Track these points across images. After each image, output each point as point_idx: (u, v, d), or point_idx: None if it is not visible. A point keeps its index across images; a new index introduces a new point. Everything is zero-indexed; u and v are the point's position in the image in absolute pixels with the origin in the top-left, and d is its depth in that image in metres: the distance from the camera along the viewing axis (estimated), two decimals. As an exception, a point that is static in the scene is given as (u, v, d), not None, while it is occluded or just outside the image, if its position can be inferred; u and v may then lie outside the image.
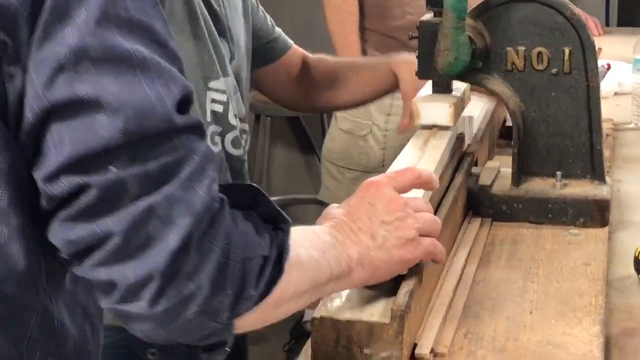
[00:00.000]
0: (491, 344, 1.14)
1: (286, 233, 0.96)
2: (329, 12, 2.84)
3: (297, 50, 1.83)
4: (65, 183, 0.82)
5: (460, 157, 1.57)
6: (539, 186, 1.54)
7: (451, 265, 1.33)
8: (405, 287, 1.08)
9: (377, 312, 1.07)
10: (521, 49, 1.51)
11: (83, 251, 0.84)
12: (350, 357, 1.05)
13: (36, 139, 0.83)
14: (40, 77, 0.81)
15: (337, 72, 1.85)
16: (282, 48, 1.79)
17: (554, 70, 1.51)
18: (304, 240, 1.01)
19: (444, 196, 1.40)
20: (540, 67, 1.52)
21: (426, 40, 1.51)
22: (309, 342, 1.09)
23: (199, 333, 0.90)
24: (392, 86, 1.80)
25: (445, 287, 1.26)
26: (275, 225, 0.96)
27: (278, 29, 1.80)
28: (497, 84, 1.53)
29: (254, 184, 0.99)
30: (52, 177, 0.82)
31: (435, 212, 1.31)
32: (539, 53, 1.51)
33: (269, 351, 3.22)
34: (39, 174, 0.83)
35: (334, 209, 1.11)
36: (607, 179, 1.55)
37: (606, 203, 1.50)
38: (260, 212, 0.96)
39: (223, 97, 1.52)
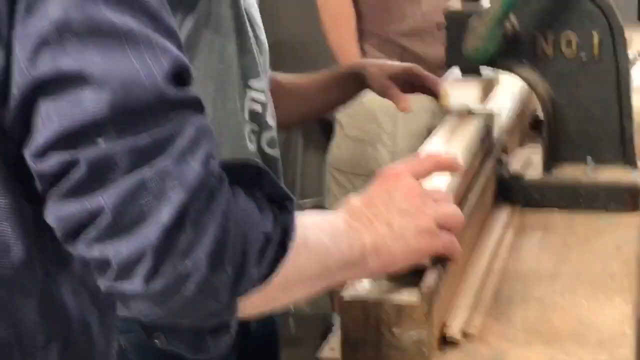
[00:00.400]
0: (522, 325, 1.14)
1: (291, 213, 0.93)
2: (326, 21, 2.82)
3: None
4: (54, 160, 0.80)
5: (490, 145, 1.56)
6: (570, 172, 1.53)
7: (481, 250, 1.33)
8: (434, 269, 1.08)
9: (405, 293, 1.06)
10: (550, 35, 1.50)
11: (76, 228, 0.82)
12: (379, 337, 1.05)
13: (24, 116, 0.82)
14: (25, 52, 0.80)
15: (296, 82, 1.78)
16: None
17: (583, 56, 1.50)
18: (313, 224, 0.98)
19: (473, 184, 1.40)
20: (569, 53, 1.51)
21: (453, 29, 1.51)
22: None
23: (200, 313, 0.87)
24: (355, 90, 1.74)
25: (474, 271, 1.26)
26: (281, 205, 0.93)
27: None
28: (525, 70, 1.53)
29: (258, 161, 0.97)
30: (40, 154, 0.81)
31: (463, 200, 1.31)
32: (568, 39, 1.50)
33: (302, 354, 3.23)
34: (28, 153, 0.82)
35: (352, 199, 1.08)
36: (639, 164, 1.54)
37: (638, 188, 1.49)
38: (265, 190, 0.93)
39: (262, 97, 1.52)
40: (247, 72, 1.50)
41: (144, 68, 0.81)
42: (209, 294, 0.85)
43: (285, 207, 0.93)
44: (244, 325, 1.60)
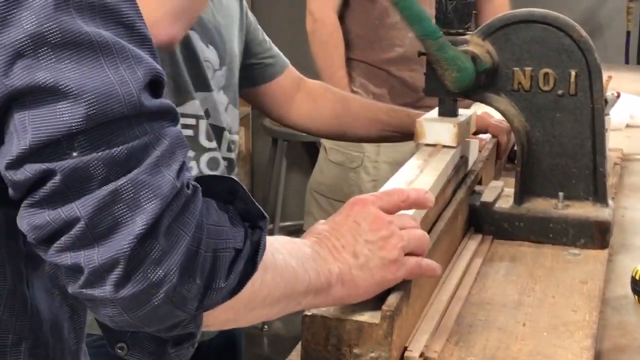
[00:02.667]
0: (482, 352, 1.15)
1: (262, 230, 0.94)
2: (315, 48, 2.84)
3: (293, 70, 1.85)
4: (29, 170, 0.81)
5: (464, 175, 1.58)
6: (541, 206, 1.55)
7: (448, 277, 1.34)
8: (397, 290, 1.09)
9: (368, 312, 1.08)
10: (528, 69, 1.53)
11: (49, 236, 0.82)
12: (339, 357, 1.06)
13: None
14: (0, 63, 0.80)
15: (348, 105, 1.87)
16: (281, 66, 1.81)
17: (559, 92, 1.53)
18: (283, 247, 1.00)
19: (444, 210, 1.41)
20: (546, 88, 1.53)
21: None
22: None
23: (166, 322, 0.88)
24: (407, 131, 1.79)
25: (440, 296, 1.27)
26: (253, 223, 0.94)
27: (276, 49, 1.82)
28: (503, 102, 1.55)
29: (233, 177, 0.97)
30: (15, 165, 0.81)
31: (434, 225, 1.32)
32: (546, 74, 1.52)
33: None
34: (2, 162, 0.82)
35: (319, 225, 1.11)
36: (610, 202, 1.56)
37: (607, 225, 1.51)
38: (238, 206, 0.94)
39: (192, 121, 1.54)
40: (174, 99, 1.50)
41: (119, 79, 0.81)
42: (178, 303, 0.86)
43: (257, 225, 0.94)
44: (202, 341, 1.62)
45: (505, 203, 1.56)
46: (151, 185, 0.82)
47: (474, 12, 1.56)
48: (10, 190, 0.84)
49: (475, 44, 1.51)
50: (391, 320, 1.05)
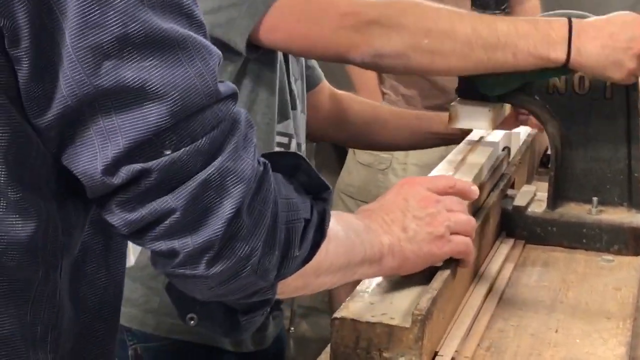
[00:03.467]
0: (513, 358, 1.14)
1: (327, 201, 1.00)
2: None
3: (326, 83, 1.84)
4: (125, 172, 0.83)
5: (498, 178, 1.57)
6: (574, 211, 1.53)
7: (479, 281, 1.32)
8: (429, 293, 1.08)
9: (398, 316, 1.07)
10: (563, 72, 1.51)
11: (143, 228, 0.86)
12: (368, 360, 1.05)
13: (72, 124, 0.83)
14: (85, 64, 0.81)
15: (376, 113, 1.86)
16: (317, 78, 1.80)
17: (594, 96, 1.51)
18: (341, 220, 1.05)
19: (476, 214, 1.40)
20: (581, 92, 1.51)
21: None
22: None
23: (248, 291, 0.93)
24: (439, 134, 1.78)
25: (472, 300, 1.26)
26: (316, 194, 0.99)
27: (313, 60, 1.81)
28: (537, 106, 1.53)
29: (296, 152, 1.03)
30: (112, 168, 0.83)
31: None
32: (581, 77, 1.50)
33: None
34: (88, 166, 0.84)
35: (369, 204, 1.17)
36: (645, 207, 1.53)
37: (642, 231, 1.49)
38: (302, 180, 0.99)
39: (285, 140, 1.54)
40: (275, 117, 1.50)
41: (196, 72, 0.85)
42: (261, 275, 0.91)
43: (321, 196, 1.00)
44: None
45: (538, 207, 1.55)
46: (235, 171, 0.87)
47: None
48: (89, 192, 0.86)
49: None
50: (422, 324, 1.03)
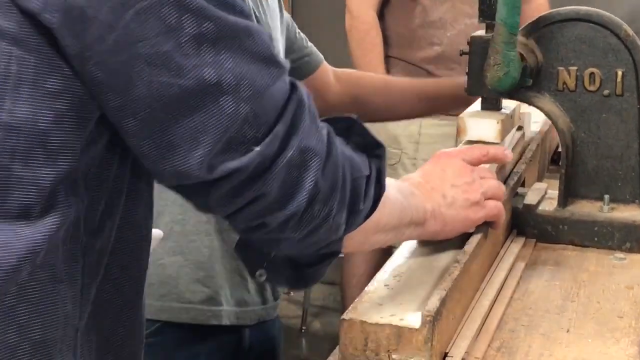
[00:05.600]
0: (524, 358, 1.12)
1: (382, 157, 1.07)
2: (353, 46, 2.84)
3: (327, 65, 1.87)
4: (219, 170, 0.88)
5: (506, 176, 1.55)
6: (585, 208, 1.52)
7: (490, 280, 1.31)
8: (438, 294, 1.07)
9: (408, 317, 1.05)
10: (573, 68, 1.49)
11: (235, 211, 0.94)
12: (378, 362, 1.04)
13: (157, 125, 0.86)
14: (166, 67, 0.84)
15: (386, 81, 1.90)
16: (317, 61, 1.82)
17: (605, 92, 1.49)
18: (391, 184, 1.12)
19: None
20: (591, 88, 1.50)
21: (477, 56, 1.50)
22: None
23: (321, 244, 1.02)
24: (457, 96, 1.76)
25: (482, 300, 1.24)
26: (371, 152, 1.06)
27: (310, 44, 1.82)
28: (547, 103, 1.51)
29: (350, 115, 1.08)
30: (203, 167, 0.88)
31: (476, 229, 1.30)
32: (591, 74, 1.49)
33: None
34: (182, 166, 0.88)
35: (411, 174, 1.27)
36: (657, 205, 1.52)
37: (654, 229, 1.47)
38: (356, 140, 1.06)
39: None
40: None
41: (259, 58, 0.89)
42: (334, 230, 1.00)
43: (375, 153, 1.07)
44: (239, 340, 1.62)
45: (549, 205, 1.53)
46: (310, 145, 0.94)
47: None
48: (182, 179, 0.90)
49: (519, 43, 1.47)
50: (432, 325, 1.02)
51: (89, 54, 0.83)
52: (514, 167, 1.59)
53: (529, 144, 1.70)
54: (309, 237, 0.99)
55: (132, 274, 0.99)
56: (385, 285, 1.15)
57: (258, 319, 1.65)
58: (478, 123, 1.50)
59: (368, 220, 1.05)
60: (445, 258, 1.25)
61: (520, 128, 1.64)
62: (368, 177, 1.03)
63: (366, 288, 1.14)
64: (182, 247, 1.57)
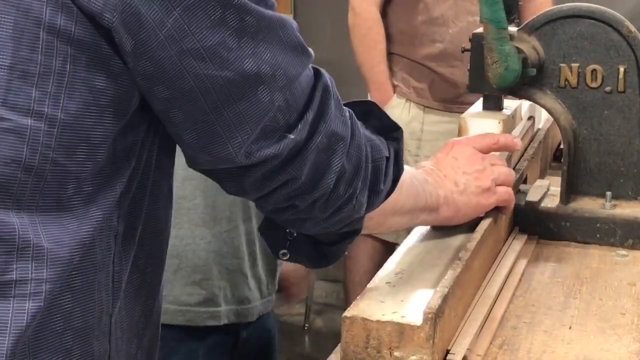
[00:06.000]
0: (526, 355, 1.12)
1: (399, 139, 1.11)
2: (356, 42, 2.84)
3: None
4: (257, 156, 0.93)
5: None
6: (587, 205, 1.52)
7: (492, 278, 1.31)
8: (440, 291, 1.07)
9: (409, 314, 1.05)
10: (575, 65, 1.49)
11: (267, 194, 0.98)
12: (379, 359, 1.04)
13: (201, 115, 0.90)
14: (212, 60, 0.87)
15: None
16: None
17: (607, 89, 1.49)
18: (406, 170, 1.15)
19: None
20: (594, 85, 1.50)
21: (478, 53, 1.50)
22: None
23: (344, 222, 1.07)
24: None
25: (484, 297, 1.24)
26: (388, 135, 1.10)
27: None
28: (549, 99, 1.51)
29: (368, 100, 1.13)
30: (243, 153, 0.92)
31: (478, 225, 1.30)
32: (593, 70, 1.49)
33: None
34: (223, 153, 0.92)
35: (424, 162, 1.30)
36: (659, 201, 1.52)
37: (657, 225, 1.47)
38: (374, 124, 1.10)
39: None
40: None
41: (291, 48, 0.93)
42: (357, 209, 1.05)
43: (392, 135, 1.11)
44: (237, 335, 1.63)
45: (551, 202, 1.53)
46: (336, 130, 0.99)
47: (519, 2, 1.53)
48: (217, 164, 0.95)
49: (521, 40, 1.47)
50: (433, 322, 1.02)
51: (142, 50, 0.86)
52: (517, 164, 1.59)
53: (537, 133, 1.72)
54: (333, 216, 1.03)
55: (155, 264, 1.01)
56: (387, 283, 1.15)
57: (258, 314, 1.66)
58: (479, 123, 1.50)
59: (386, 202, 1.10)
60: (447, 255, 1.25)
61: (530, 118, 1.65)
62: (387, 159, 1.08)
63: (368, 285, 1.14)
64: (177, 250, 1.59)
